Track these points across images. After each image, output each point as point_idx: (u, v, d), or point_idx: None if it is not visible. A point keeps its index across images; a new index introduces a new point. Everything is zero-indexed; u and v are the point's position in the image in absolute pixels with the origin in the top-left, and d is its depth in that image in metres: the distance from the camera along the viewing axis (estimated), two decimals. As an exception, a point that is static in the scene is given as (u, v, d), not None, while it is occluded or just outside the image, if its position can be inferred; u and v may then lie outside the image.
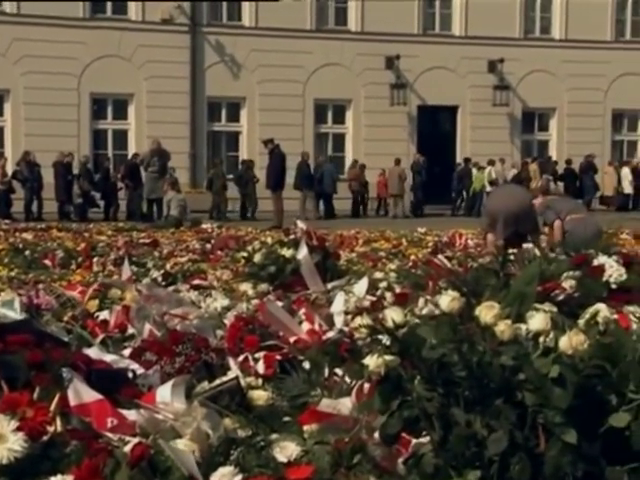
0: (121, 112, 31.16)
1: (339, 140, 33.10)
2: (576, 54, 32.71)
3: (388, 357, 2.59)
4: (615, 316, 3.07)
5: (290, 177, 26.22)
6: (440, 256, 7.53)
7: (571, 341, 2.52)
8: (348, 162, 32.15)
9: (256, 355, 3.78)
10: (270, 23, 30.67)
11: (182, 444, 2.56)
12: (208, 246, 12.14)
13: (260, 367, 3.66)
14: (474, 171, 30.69)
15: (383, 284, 5.97)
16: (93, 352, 3.77)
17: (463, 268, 5.41)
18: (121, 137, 31.22)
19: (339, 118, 33.01)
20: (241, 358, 3.76)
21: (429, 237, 14.74)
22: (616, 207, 30.92)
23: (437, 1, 33.27)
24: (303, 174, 28.38)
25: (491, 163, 30.27)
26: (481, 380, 2.51)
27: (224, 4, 31.71)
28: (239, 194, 27.63)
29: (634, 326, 2.89)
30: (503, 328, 2.60)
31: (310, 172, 28.73)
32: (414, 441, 2.55)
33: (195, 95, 31.29)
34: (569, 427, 2.42)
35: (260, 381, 3.42)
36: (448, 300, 2.77)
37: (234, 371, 3.52)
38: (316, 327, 4.24)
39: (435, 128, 33.29)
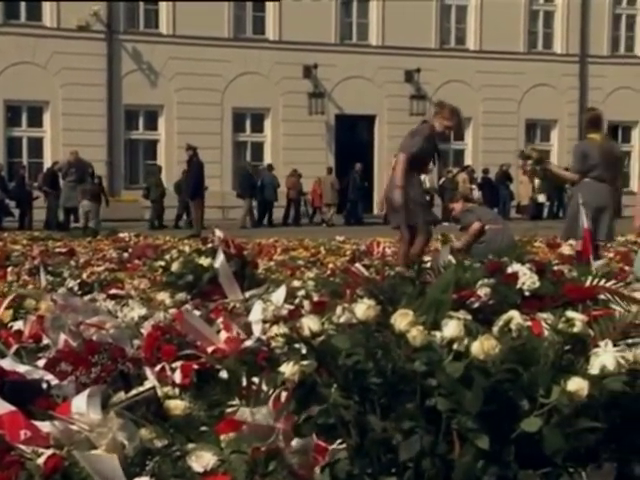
0: (36, 120, 30.71)
1: (257, 149, 33.08)
2: (490, 65, 33.22)
3: (304, 362, 2.61)
4: (528, 323, 3.11)
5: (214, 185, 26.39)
6: (358, 264, 7.56)
7: (482, 346, 2.56)
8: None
9: (173, 365, 3.76)
10: (188, 31, 30.55)
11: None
12: (125, 255, 12.03)
13: (177, 377, 3.63)
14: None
15: (301, 292, 5.99)
16: (6, 363, 3.70)
17: (380, 276, 5.44)
18: (36, 145, 30.78)
19: (257, 127, 33.00)
20: (158, 368, 3.73)
21: (347, 245, 14.81)
22: (530, 216, 31.43)
23: (354, 11, 33.49)
24: (247, 183, 28.60)
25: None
26: (395, 386, 2.53)
27: (141, 11, 31.49)
28: (178, 202, 27.63)
29: (546, 332, 2.94)
30: (415, 334, 2.63)
31: (254, 181, 28.95)
32: (331, 448, 2.56)
33: (112, 103, 30.99)
34: (481, 432, 2.46)
35: (177, 391, 3.39)
36: (364, 308, 2.79)
37: (151, 381, 3.49)
38: (234, 336, 4.22)
39: (353, 137, 33.48)
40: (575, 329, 2.87)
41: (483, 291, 4.01)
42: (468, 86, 33.52)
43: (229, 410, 2.97)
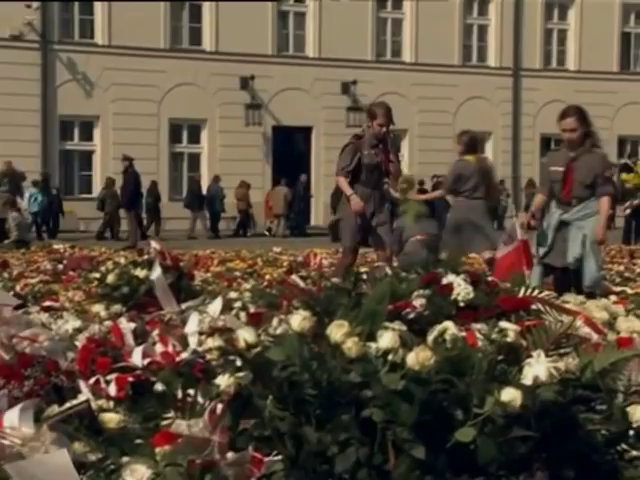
0: (-31, 130, 30.31)
1: (194, 160, 32.96)
2: (426, 77, 33.49)
3: (239, 374, 2.60)
4: (463, 333, 3.14)
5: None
6: (294, 276, 7.57)
7: (418, 357, 2.58)
8: (204, 182, 32.17)
9: (108, 377, 3.72)
10: (123, 42, 30.37)
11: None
12: (60, 267, 11.90)
13: (112, 389, 3.60)
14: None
15: (237, 304, 5.97)
16: (-63, 377, 3.64)
17: (317, 288, 5.45)
18: (-31, 155, 30.36)
19: (194, 138, 32.89)
20: (92, 380, 3.69)
21: (284, 257, 14.81)
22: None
23: (290, 22, 33.57)
24: (194, 194, 28.81)
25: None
26: (331, 397, 2.54)
27: (76, 21, 31.23)
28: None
29: (480, 343, 2.97)
30: (350, 345, 2.64)
31: (202, 192, 29.23)
32: (267, 460, 2.56)
33: (46, 113, 30.67)
34: (417, 443, 2.47)
35: (112, 403, 3.37)
36: (299, 319, 2.80)
37: (85, 394, 3.46)
38: (170, 348, 4.20)
39: (290, 148, 33.51)
40: (508, 339, 2.91)
41: (418, 302, 4.04)
42: (404, 98, 33.72)
43: (164, 423, 2.96)
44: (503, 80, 35.41)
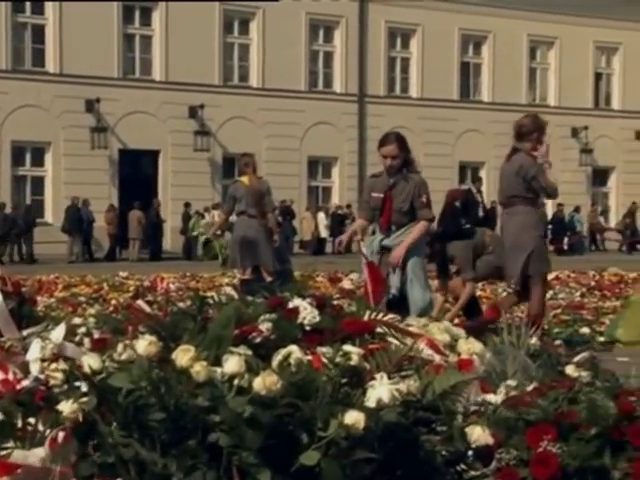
0: None
1: (38, 183, 32.22)
2: (273, 102, 33.69)
3: (83, 399, 2.57)
4: (309, 357, 3.17)
5: None
6: (140, 301, 7.48)
7: (264, 382, 2.59)
8: (48, 205, 31.54)
9: (-57, 408, 3.61)
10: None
11: None
12: None
13: (-52, 420, 3.49)
14: (195, 217, 31.37)
15: (82, 330, 5.87)
16: None
17: (163, 312, 5.41)
18: None
19: (38, 160, 32.16)
20: None
21: (131, 281, 14.64)
22: (313, 251, 32.02)
23: (137, 46, 33.28)
24: (73, 218, 28.45)
25: (207, 210, 31.21)
26: (177, 422, 2.53)
27: None
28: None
29: (325, 366, 3.01)
30: (198, 369, 2.64)
31: (81, 216, 29.28)
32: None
33: None
34: (263, 467, 2.48)
35: (-53, 435, 3.26)
36: (145, 344, 2.78)
37: None
38: (10, 376, 4.09)
39: (136, 172, 33.17)
40: (352, 362, 2.95)
41: (264, 326, 4.06)
42: (251, 123, 33.88)
43: (3, 453, 2.88)
44: (349, 106, 35.95)
